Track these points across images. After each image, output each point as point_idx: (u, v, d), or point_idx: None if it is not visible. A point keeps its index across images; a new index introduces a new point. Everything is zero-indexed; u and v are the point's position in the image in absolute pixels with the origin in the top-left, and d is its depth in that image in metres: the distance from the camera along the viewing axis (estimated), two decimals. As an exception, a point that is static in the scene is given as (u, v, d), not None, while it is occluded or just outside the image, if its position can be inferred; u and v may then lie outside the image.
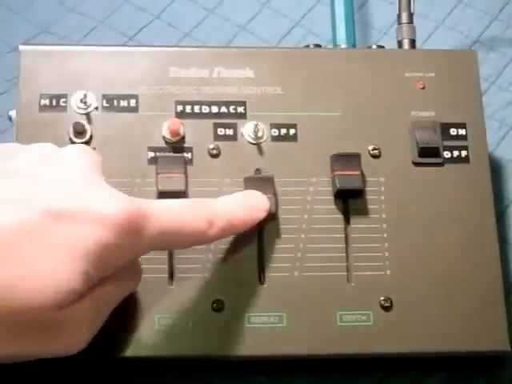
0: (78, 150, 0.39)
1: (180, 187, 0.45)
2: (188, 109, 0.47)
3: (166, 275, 0.44)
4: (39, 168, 0.36)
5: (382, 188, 0.47)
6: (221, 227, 0.40)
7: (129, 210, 0.36)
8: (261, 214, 0.44)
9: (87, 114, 0.47)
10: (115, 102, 0.47)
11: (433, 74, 0.50)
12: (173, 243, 0.40)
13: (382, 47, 0.52)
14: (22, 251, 0.33)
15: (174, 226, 0.38)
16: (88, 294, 0.36)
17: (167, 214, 0.38)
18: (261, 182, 0.45)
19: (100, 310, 0.38)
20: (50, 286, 0.34)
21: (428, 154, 0.48)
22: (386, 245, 0.46)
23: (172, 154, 0.46)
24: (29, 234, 0.34)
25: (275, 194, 0.45)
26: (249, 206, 0.43)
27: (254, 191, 0.45)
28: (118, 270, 0.37)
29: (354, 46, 0.54)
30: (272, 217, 0.45)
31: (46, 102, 0.47)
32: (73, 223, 0.34)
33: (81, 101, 0.46)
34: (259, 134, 0.47)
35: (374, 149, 0.48)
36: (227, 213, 0.41)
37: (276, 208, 0.45)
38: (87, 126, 0.46)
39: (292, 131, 0.48)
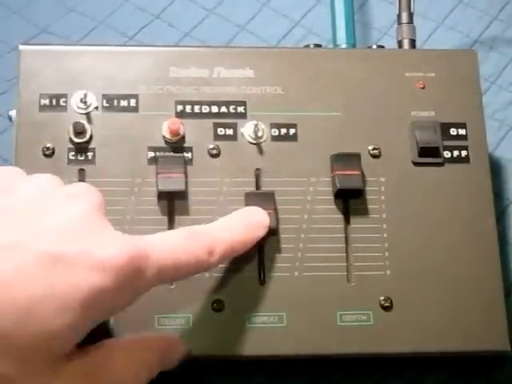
0: (82, 188, 0.38)
1: (180, 187, 0.45)
2: (188, 109, 0.47)
3: (166, 275, 0.44)
4: (41, 206, 0.35)
5: (382, 188, 0.47)
6: (222, 254, 0.40)
7: (130, 252, 0.35)
8: (261, 232, 0.43)
9: (87, 114, 0.47)
10: (115, 102, 0.47)
11: (433, 74, 0.50)
12: (174, 277, 0.39)
13: (382, 47, 0.52)
14: (18, 298, 0.32)
15: (175, 261, 0.37)
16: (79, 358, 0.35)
17: (167, 251, 0.37)
18: (261, 197, 0.45)
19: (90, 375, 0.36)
20: (44, 335, 0.33)
21: (428, 153, 0.48)
22: (386, 245, 0.46)
23: (172, 153, 0.46)
24: (25, 281, 0.33)
25: (276, 210, 0.45)
26: (249, 225, 0.43)
27: (254, 207, 0.44)
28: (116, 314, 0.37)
29: (354, 45, 0.54)
30: (272, 232, 0.45)
31: (46, 101, 0.47)
32: (73, 268, 0.33)
33: (81, 101, 0.46)
34: (259, 134, 0.47)
35: (374, 149, 0.48)
36: (227, 238, 0.41)
37: (277, 224, 0.45)
38: (87, 126, 0.46)
39: (292, 131, 0.48)
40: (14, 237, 0.34)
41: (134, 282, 0.35)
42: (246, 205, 0.45)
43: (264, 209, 0.44)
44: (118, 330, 0.42)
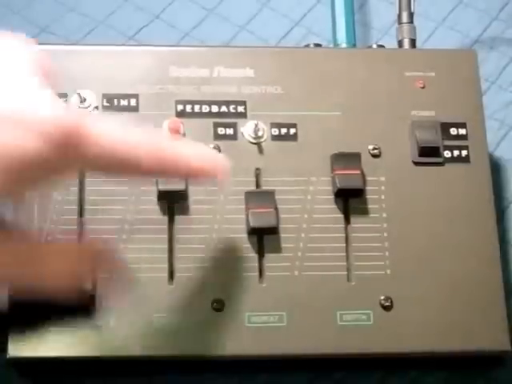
0: (19, 44, 0.35)
1: (180, 187, 0.45)
2: (188, 108, 0.47)
3: (166, 274, 0.44)
4: None
5: (383, 187, 0.47)
6: (157, 161, 0.36)
7: (68, 120, 0.32)
8: (213, 172, 0.39)
9: (87, 114, 0.47)
10: (115, 102, 0.47)
11: (433, 74, 0.50)
12: (108, 167, 0.36)
13: (383, 47, 0.52)
14: None
15: (111, 151, 0.34)
16: None
17: (107, 137, 0.34)
18: (262, 196, 0.45)
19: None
20: None
21: (428, 153, 0.48)
22: (386, 244, 0.46)
23: (172, 153, 0.46)
24: None
25: (276, 209, 0.45)
26: (203, 157, 0.39)
27: (212, 151, 0.43)
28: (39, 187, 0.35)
29: (354, 45, 0.54)
30: (273, 231, 0.45)
31: (46, 101, 0.46)
32: (5, 125, 0.31)
33: (81, 100, 0.46)
34: (259, 134, 0.47)
35: (375, 148, 0.48)
36: (174, 150, 0.37)
37: (277, 222, 0.45)
38: (87, 126, 0.46)
39: (292, 131, 0.48)
40: None
41: (65, 156, 0.32)
42: (247, 204, 0.45)
43: (264, 207, 0.44)
44: (119, 330, 0.42)
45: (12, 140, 0.31)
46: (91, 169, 0.36)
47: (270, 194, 0.45)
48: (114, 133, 0.35)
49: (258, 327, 0.44)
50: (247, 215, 0.45)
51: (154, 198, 0.45)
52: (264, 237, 0.45)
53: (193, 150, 0.39)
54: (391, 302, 0.45)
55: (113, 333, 0.42)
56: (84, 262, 0.38)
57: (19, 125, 0.31)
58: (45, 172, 0.33)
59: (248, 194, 0.45)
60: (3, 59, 0.34)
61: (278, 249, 0.45)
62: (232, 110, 0.48)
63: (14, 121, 0.31)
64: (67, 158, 0.33)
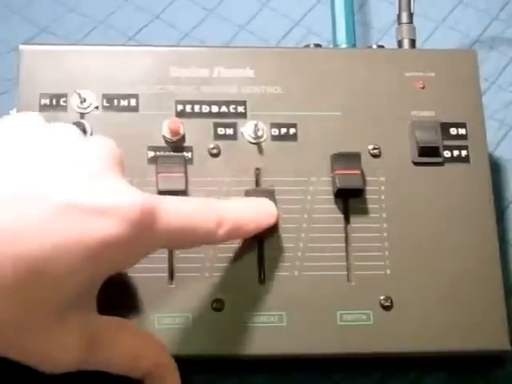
0: (99, 141, 0.38)
1: (180, 187, 0.45)
2: (188, 108, 0.47)
3: (166, 274, 0.44)
4: (57, 157, 0.36)
5: (382, 187, 0.47)
6: (229, 229, 0.40)
7: (142, 204, 0.35)
8: (271, 220, 0.44)
9: (87, 114, 0.47)
10: (115, 102, 0.47)
11: (433, 74, 0.50)
12: (180, 242, 0.40)
13: (382, 47, 0.52)
14: (30, 249, 0.33)
15: (183, 224, 0.38)
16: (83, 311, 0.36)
17: (177, 212, 0.38)
18: (262, 194, 0.45)
19: (92, 338, 0.37)
20: (54, 284, 0.34)
21: (428, 153, 0.48)
22: (386, 244, 0.46)
23: (172, 153, 0.46)
24: (37, 231, 0.33)
25: (276, 207, 0.45)
26: (259, 210, 0.44)
27: (263, 198, 0.45)
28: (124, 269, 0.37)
29: (354, 45, 0.54)
30: (272, 229, 0.45)
31: (47, 101, 0.47)
32: (83, 216, 0.34)
33: (81, 100, 0.46)
34: (259, 134, 0.47)
35: (374, 148, 0.48)
36: (237, 215, 0.41)
37: (277, 225, 0.45)
38: (87, 126, 0.46)
39: (292, 131, 0.48)
40: (26, 186, 0.34)
41: (143, 236, 0.36)
42: None
43: None
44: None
45: (97, 228, 0.34)
46: (167, 244, 0.39)
47: (270, 193, 0.45)
48: (183, 208, 0.38)
49: (257, 327, 0.44)
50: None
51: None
52: (264, 237, 0.45)
53: (249, 206, 0.43)
54: (391, 301, 0.45)
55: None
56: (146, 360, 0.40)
57: (100, 213, 0.34)
58: (125, 253, 0.36)
59: (248, 194, 0.45)
60: (84, 154, 0.36)
61: (277, 249, 0.45)
62: (232, 110, 0.48)
63: (96, 210, 0.34)
64: (144, 237, 0.36)
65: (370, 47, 0.53)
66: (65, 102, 0.47)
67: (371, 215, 0.46)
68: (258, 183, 0.46)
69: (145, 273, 0.43)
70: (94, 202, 0.34)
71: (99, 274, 0.36)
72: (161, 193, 0.45)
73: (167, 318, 0.43)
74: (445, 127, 0.49)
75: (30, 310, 0.34)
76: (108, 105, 0.47)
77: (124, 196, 0.35)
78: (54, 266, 0.33)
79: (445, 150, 0.48)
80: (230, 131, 0.47)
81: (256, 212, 0.43)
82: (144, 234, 0.36)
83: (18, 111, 0.46)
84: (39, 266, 0.33)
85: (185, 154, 0.46)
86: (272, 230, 0.45)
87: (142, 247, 0.37)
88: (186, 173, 0.45)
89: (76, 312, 0.36)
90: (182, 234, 0.38)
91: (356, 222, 0.46)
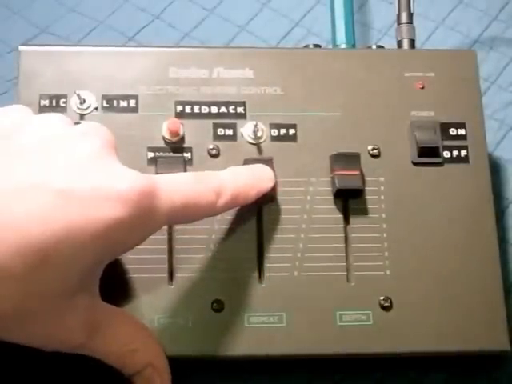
0: (91, 127, 0.38)
1: (180, 187, 0.45)
2: (188, 109, 0.47)
3: (166, 275, 0.44)
4: (50, 145, 0.36)
5: (382, 188, 0.47)
6: (229, 197, 0.40)
7: (141, 185, 0.36)
8: (268, 184, 0.44)
9: (87, 115, 0.47)
10: (115, 103, 0.47)
11: (432, 74, 0.50)
12: (183, 217, 0.40)
13: (382, 47, 0.52)
14: (34, 240, 0.33)
15: (184, 200, 0.38)
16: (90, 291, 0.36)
17: (177, 189, 0.38)
18: (261, 163, 0.45)
19: (94, 323, 0.38)
20: (61, 272, 0.34)
21: (427, 153, 0.48)
22: (386, 245, 0.46)
23: (171, 154, 0.46)
24: (39, 221, 0.33)
25: (274, 177, 0.45)
26: (256, 175, 0.44)
27: (261, 165, 0.45)
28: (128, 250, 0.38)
29: (353, 46, 0.54)
30: (271, 199, 0.45)
31: (46, 102, 0.47)
32: (86, 202, 0.34)
33: (80, 101, 0.47)
34: (259, 134, 0.47)
35: (374, 149, 0.48)
36: (235, 182, 0.41)
37: (275, 191, 0.45)
38: (87, 126, 0.46)
39: (292, 131, 0.48)
40: (25, 178, 0.34)
41: (146, 217, 0.36)
42: None
43: None
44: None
45: (98, 212, 0.34)
46: (171, 220, 0.39)
47: (269, 162, 0.46)
48: (182, 184, 0.38)
49: (257, 327, 0.44)
50: (248, 214, 0.45)
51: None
52: (264, 237, 0.45)
53: (247, 172, 0.43)
54: (391, 302, 0.45)
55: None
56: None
57: (100, 197, 0.34)
58: (128, 235, 0.36)
59: (246, 162, 0.46)
60: (82, 141, 0.37)
61: (277, 249, 0.45)
62: (231, 111, 0.48)
63: (95, 195, 0.34)
64: (146, 217, 0.36)
65: (370, 47, 0.53)
66: (64, 102, 0.47)
67: (371, 215, 0.46)
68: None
69: (145, 273, 0.43)
70: (92, 186, 0.35)
71: (103, 258, 0.37)
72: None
73: (167, 318, 0.43)
74: (444, 127, 0.49)
75: (39, 296, 0.34)
76: (108, 106, 0.47)
77: (123, 178, 0.36)
78: (59, 252, 0.33)
79: (444, 150, 0.48)
80: (229, 132, 0.47)
81: (253, 178, 0.43)
82: (146, 214, 0.36)
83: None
84: (44, 253, 0.33)
85: (184, 154, 0.46)
86: (272, 230, 0.45)
87: (145, 227, 0.37)
88: (185, 173, 0.45)
89: (82, 295, 0.36)
90: (183, 209, 0.38)
91: (356, 223, 0.46)
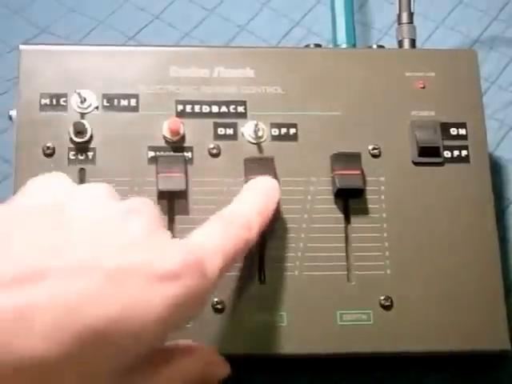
0: (140, 203, 0.36)
1: (180, 187, 0.45)
2: (188, 108, 0.47)
3: (166, 275, 0.44)
4: (99, 222, 0.34)
5: (382, 187, 0.47)
6: (258, 225, 0.40)
7: (191, 259, 0.34)
8: (277, 194, 0.44)
9: (87, 114, 0.47)
10: (115, 102, 0.47)
11: (433, 74, 0.50)
12: (230, 265, 0.38)
13: (382, 47, 0.52)
14: (89, 322, 0.31)
15: (225, 254, 0.37)
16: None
17: (217, 253, 0.36)
18: (261, 162, 0.46)
19: None
20: (119, 356, 0.32)
21: (428, 153, 0.48)
22: (386, 244, 0.46)
23: (172, 153, 0.46)
24: (93, 303, 0.31)
25: (276, 176, 0.46)
26: (265, 192, 0.43)
27: (261, 178, 0.45)
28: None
29: (354, 45, 0.54)
30: (272, 228, 0.45)
31: (47, 101, 0.47)
32: (141, 282, 0.32)
33: (81, 100, 0.46)
34: (259, 134, 0.47)
35: (374, 148, 0.48)
36: (256, 210, 0.41)
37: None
38: (87, 126, 0.46)
39: (292, 131, 0.48)
40: (75, 258, 0.32)
41: (201, 286, 0.34)
42: (246, 171, 0.46)
43: (264, 174, 0.45)
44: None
45: (157, 292, 0.32)
46: (223, 274, 0.37)
47: (270, 161, 0.46)
48: (217, 242, 0.37)
49: (257, 327, 0.44)
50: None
51: (155, 198, 0.45)
52: (264, 237, 0.45)
53: (258, 194, 0.43)
54: (391, 301, 0.45)
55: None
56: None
57: (153, 277, 0.32)
58: (191, 306, 0.34)
59: (247, 161, 0.46)
60: (130, 220, 0.35)
61: (278, 249, 0.45)
62: (232, 110, 0.48)
63: (151, 273, 0.32)
64: (200, 285, 0.34)
65: (370, 47, 0.53)
66: (65, 101, 0.47)
67: (371, 215, 0.46)
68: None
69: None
70: (146, 266, 0.33)
71: (166, 335, 0.34)
72: (161, 193, 0.45)
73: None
74: (445, 127, 0.49)
75: (90, 381, 0.32)
76: (108, 105, 0.47)
77: (175, 256, 0.34)
78: (119, 337, 0.31)
79: (445, 150, 0.48)
80: (230, 131, 0.47)
81: (264, 195, 0.43)
82: (201, 284, 0.34)
83: (18, 111, 0.46)
84: (101, 336, 0.31)
85: (185, 154, 0.46)
86: (272, 230, 0.45)
87: (202, 296, 0.35)
88: (186, 173, 0.45)
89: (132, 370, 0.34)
90: (227, 261, 0.37)
91: (356, 222, 0.46)
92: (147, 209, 0.36)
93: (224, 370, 0.39)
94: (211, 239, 0.37)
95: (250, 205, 0.41)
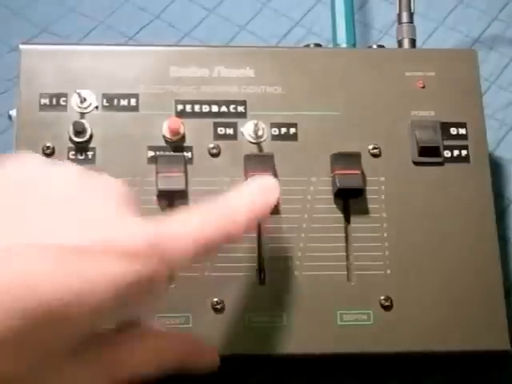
0: (103, 182, 0.36)
1: (180, 186, 0.45)
2: (188, 108, 0.47)
3: (166, 274, 0.44)
4: (67, 199, 0.34)
5: (382, 187, 0.47)
6: (245, 220, 0.39)
7: (150, 236, 0.34)
8: (276, 193, 0.42)
9: (87, 114, 0.47)
10: (115, 102, 0.47)
11: (433, 74, 0.50)
12: (205, 256, 0.38)
13: (382, 47, 0.52)
14: (45, 298, 0.31)
15: (200, 244, 0.36)
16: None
17: (185, 236, 0.36)
18: (261, 159, 0.46)
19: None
20: (75, 328, 0.32)
21: (428, 153, 0.48)
22: (386, 244, 0.46)
23: (172, 153, 0.46)
24: (52, 279, 0.31)
25: (275, 173, 0.45)
26: (264, 190, 0.42)
27: (262, 176, 0.44)
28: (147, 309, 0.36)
29: (354, 45, 0.54)
30: (272, 228, 0.45)
31: (46, 101, 0.47)
32: (100, 259, 0.33)
33: (81, 100, 0.46)
34: (259, 134, 0.47)
35: (374, 148, 0.48)
36: (248, 204, 0.40)
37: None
38: (87, 126, 0.46)
39: (292, 130, 0.48)
40: (35, 234, 0.32)
41: (158, 270, 0.34)
42: (246, 167, 0.45)
43: (263, 171, 0.44)
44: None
45: (112, 268, 0.33)
46: (191, 264, 0.37)
47: (270, 158, 0.46)
48: (189, 229, 0.37)
49: (257, 327, 0.44)
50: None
51: (154, 197, 0.45)
52: (264, 236, 0.45)
53: (253, 191, 0.41)
54: (391, 301, 0.45)
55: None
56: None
57: (113, 254, 0.33)
58: (145, 287, 0.34)
59: (247, 158, 0.46)
60: (96, 194, 0.35)
61: (277, 248, 0.45)
62: (232, 110, 0.48)
63: (108, 251, 0.33)
64: (158, 269, 0.34)
65: (370, 47, 0.53)
66: (65, 101, 0.47)
67: (371, 215, 0.46)
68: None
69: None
70: (105, 244, 0.33)
71: (127, 311, 0.35)
72: (161, 192, 0.45)
73: (167, 318, 0.43)
74: (445, 127, 0.49)
75: (43, 358, 0.32)
76: (108, 104, 0.47)
77: (136, 234, 0.34)
78: (74, 311, 0.32)
79: (445, 149, 0.48)
80: (230, 131, 0.47)
81: (263, 193, 0.41)
82: (156, 265, 0.34)
83: (18, 111, 0.46)
84: (57, 312, 0.31)
85: (185, 153, 0.46)
86: (272, 230, 0.45)
87: (157, 278, 0.35)
88: (185, 172, 0.45)
89: (92, 345, 0.34)
90: (199, 254, 0.36)
91: (356, 222, 0.46)
92: (116, 188, 0.36)
93: (208, 360, 0.39)
94: (184, 226, 0.37)
95: (241, 199, 0.40)
